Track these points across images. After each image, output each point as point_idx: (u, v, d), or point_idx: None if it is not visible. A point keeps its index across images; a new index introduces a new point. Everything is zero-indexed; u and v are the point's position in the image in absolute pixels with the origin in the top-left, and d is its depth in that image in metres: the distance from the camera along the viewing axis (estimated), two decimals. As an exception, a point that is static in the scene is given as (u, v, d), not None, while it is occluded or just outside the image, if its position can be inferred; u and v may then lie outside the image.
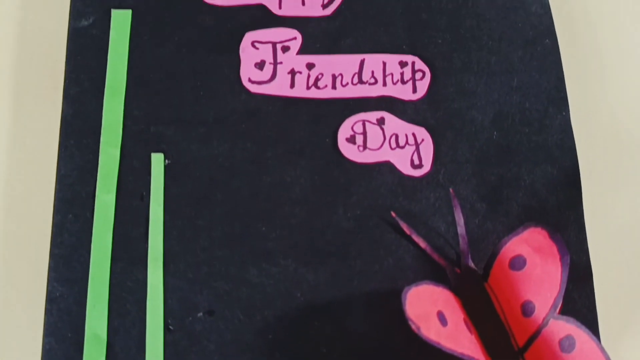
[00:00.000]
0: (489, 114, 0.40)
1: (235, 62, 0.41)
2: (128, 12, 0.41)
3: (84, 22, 0.41)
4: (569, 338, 0.34)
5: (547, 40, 0.42)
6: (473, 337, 0.34)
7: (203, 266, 0.37)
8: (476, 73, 0.41)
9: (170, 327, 0.36)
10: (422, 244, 0.37)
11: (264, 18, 0.42)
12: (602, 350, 0.33)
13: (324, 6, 0.42)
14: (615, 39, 0.44)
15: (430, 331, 0.33)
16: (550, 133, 0.40)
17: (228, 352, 0.36)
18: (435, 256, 0.37)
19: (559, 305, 0.34)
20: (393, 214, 0.38)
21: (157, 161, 0.38)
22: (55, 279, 0.36)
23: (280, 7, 0.42)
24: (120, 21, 0.41)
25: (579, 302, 0.37)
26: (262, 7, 0.42)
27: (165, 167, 0.38)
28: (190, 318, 0.36)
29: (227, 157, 0.39)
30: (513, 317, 0.35)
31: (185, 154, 0.39)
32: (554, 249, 0.35)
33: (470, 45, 0.42)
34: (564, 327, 0.34)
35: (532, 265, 0.35)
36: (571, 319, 0.34)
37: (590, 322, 0.36)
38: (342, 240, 0.38)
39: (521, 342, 0.34)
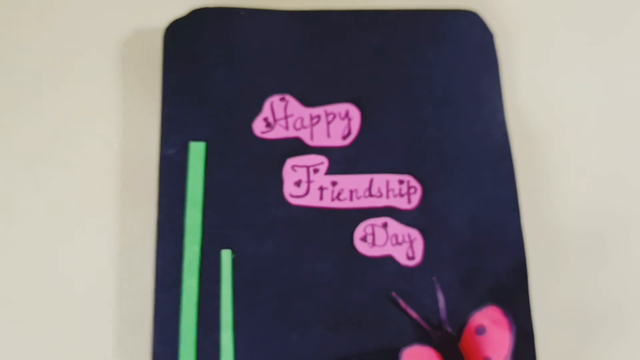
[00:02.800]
0: (465, 219, 0.51)
1: (280, 181, 0.52)
2: (202, 144, 0.53)
3: (170, 151, 0.52)
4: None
5: (507, 162, 0.53)
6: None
7: (260, 331, 0.49)
8: (455, 188, 0.52)
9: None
10: (414, 315, 0.50)
11: (300, 147, 0.53)
12: None
13: (344, 138, 0.54)
14: (559, 160, 0.55)
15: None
16: (508, 234, 0.51)
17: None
18: (423, 324, 0.49)
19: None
20: (394, 294, 0.50)
21: (226, 256, 0.51)
22: (157, 340, 0.48)
23: (312, 139, 0.54)
24: (197, 151, 0.52)
25: (524, 356, 0.49)
26: (299, 140, 0.54)
27: (233, 260, 0.51)
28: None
29: (275, 252, 0.51)
30: (477, 368, 0.48)
31: (245, 250, 0.50)
32: (506, 321, 0.49)
33: (451, 166, 0.53)
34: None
35: (490, 332, 0.49)
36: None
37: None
38: (358, 313, 0.49)
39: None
